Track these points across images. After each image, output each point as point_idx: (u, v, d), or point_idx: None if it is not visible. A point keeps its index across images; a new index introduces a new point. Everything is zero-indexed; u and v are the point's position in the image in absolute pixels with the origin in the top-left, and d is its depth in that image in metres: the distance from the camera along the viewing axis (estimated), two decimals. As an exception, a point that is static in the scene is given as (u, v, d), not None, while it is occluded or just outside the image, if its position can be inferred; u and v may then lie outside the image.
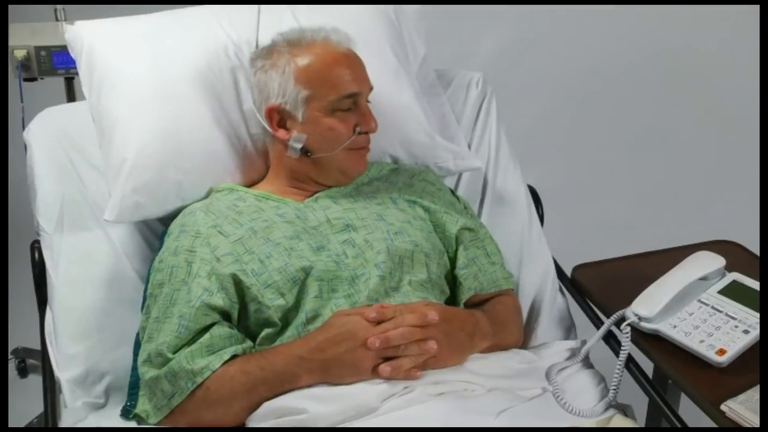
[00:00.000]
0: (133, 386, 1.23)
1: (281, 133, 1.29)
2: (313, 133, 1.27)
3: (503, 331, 1.28)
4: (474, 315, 1.24)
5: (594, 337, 1.28)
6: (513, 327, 1.33)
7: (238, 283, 1.17)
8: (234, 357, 1.14)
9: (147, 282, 1.26)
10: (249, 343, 1.17)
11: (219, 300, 1.15)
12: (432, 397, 1.08)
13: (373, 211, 1.29)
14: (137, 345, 1.23)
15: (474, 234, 1.36)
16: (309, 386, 1.10)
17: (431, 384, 1.10)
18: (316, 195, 1.32)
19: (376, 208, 1.30)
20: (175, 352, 1.13)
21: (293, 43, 1.29)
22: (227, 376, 1.11)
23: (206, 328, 1.15)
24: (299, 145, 1.28)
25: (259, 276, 1.17)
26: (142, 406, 1.18)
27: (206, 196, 1.35)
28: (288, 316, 1.17)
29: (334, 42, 1.29)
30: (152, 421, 1.16)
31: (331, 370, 1.09)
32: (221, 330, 1.15)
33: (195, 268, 1.18)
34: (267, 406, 1.10)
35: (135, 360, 1.23)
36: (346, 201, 1.31)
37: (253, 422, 1.11)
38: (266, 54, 1.31)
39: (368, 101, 1.32)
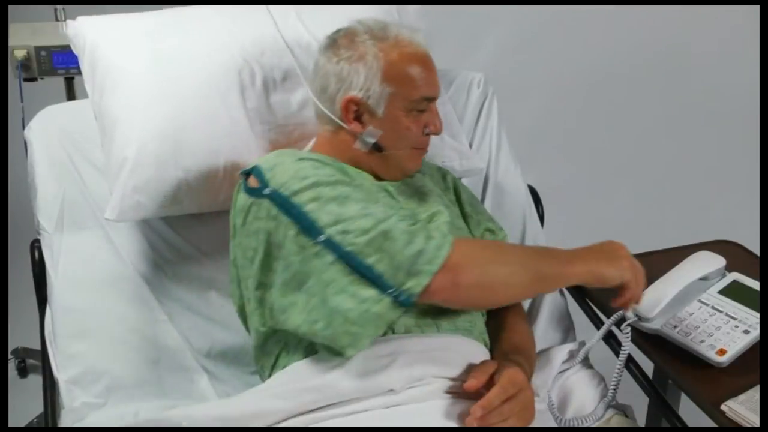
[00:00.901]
0: (380, 276, 1.04)
1: (355, 126, 1.25)
2: (390, 130, 1.24)
3: (531, 366, 1.25)
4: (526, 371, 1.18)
5: (594, 338, 1.28)
6: (533, 353, 1.29)
7: None
8: None
9: (296, 209, 1.09)
10: None
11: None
12: (449, 396, 1.08)
13: (430, 206, 1.28)
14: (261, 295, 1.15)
15: (494, 236, 1.36)
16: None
17: (449, 379, 1.09)
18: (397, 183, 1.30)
19: (432, 202, 1.29)
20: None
21: (379, 37, 1.24)
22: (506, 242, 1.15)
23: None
24: (372, 140, 1.25)
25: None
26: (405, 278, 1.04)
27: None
28: None
29: (419, 43, 1.27)
30: (423, 285, 1.03)
31: (601, 263, 1.13)
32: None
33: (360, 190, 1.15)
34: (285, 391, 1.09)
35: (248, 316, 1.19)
36: (401, 196, 1.29)
37: (271, 422, 1.09)
38: (349, 44, 1.25)
39: None
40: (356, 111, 1.24)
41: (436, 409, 1.06)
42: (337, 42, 1.26)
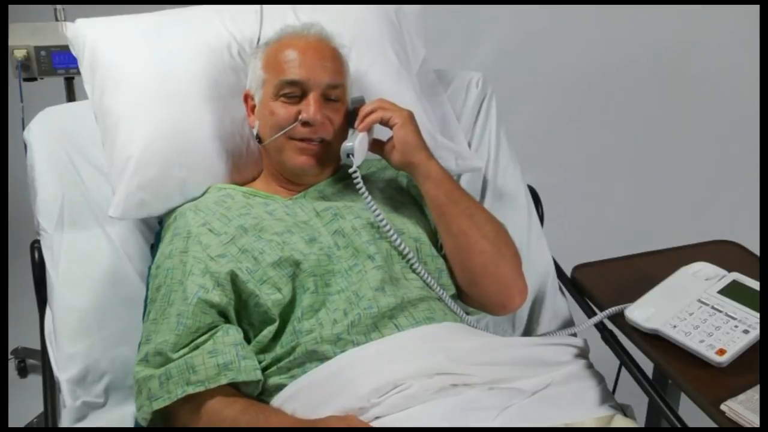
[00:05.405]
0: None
1: (251, 120, 1.33)
2: (261, 117, 1.30)
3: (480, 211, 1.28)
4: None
5: (588, 321, 1.29)
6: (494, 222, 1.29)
7: (234, 279, 1.16)
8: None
9: (147, 290, 1.26)
10: (253, 362, 1.12)
11: (215, 297, 1.14)
12: (431, 394, 1.06)
13: (360, 201, 1.26)
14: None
15: None
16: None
17: (426, 377, 1.07)
18: (304, 192, 1.31)
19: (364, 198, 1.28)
20: (176, 352, 1.12)
21: (278, 35, 1.33)
22: (224, 415, 1.08)
23: (207, 330, 1.14)
24: (255, 132, 1.31)
25: (254, 273, 1.16)
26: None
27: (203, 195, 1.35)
28: (285, 311, 1.16)
29: (306, 34, 1.30)
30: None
31: None
32: (226, 337, 1.13)
33: (189, 267, 1.18)
34: None
35: None
36: (334, 195, 1.31)
37: None
38: (257, 47, 1.36)
39: (333, 99, 1.27)
40: (252, 107, 1.32)
41: (422, 415, 1.03)
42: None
